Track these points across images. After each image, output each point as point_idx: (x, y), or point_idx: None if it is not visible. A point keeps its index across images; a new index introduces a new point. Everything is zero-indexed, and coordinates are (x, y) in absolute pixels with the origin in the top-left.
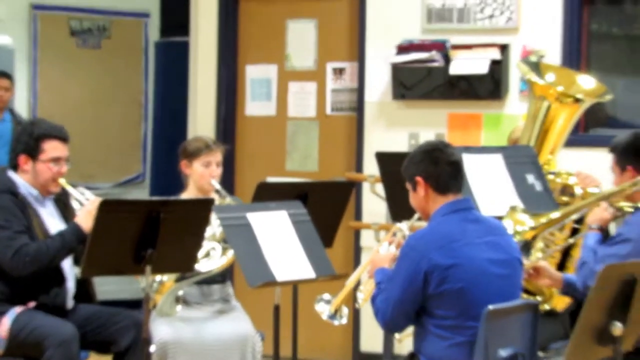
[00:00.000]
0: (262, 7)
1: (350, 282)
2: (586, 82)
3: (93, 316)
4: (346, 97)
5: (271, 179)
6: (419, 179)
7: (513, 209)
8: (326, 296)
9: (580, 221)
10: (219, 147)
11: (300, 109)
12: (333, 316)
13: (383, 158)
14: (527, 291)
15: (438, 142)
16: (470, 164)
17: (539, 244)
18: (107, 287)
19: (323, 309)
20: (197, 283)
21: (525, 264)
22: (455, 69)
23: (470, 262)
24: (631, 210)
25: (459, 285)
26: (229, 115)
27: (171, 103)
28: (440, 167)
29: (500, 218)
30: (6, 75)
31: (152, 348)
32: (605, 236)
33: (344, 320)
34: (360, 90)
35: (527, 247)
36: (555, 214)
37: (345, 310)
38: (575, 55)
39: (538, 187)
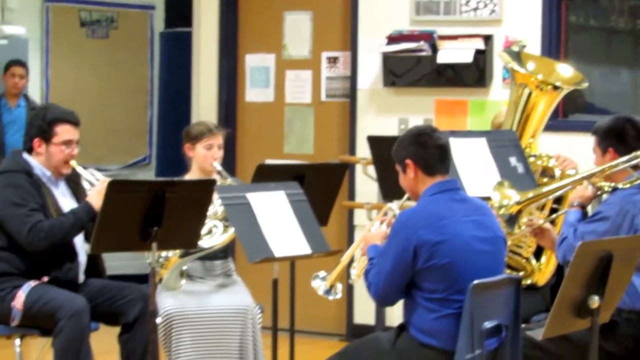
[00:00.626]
0: (261, 0)
1: (344, 259)
2: (564, 71)
3: (103, 290)
4: (340, 85)
5: (270, 161)
6: (408, 161)
7: (501, 183)
8: (321, 273)
9: (559, 201)
10: (220, 131)
11: (297, 96)
12: (328, 292)
13: (374, 142)
14: (510, 267)
15: (426, 126)
16: (457, 147)
17: (524, 219)
18: (116, 262)
19: (319, 285)
20: (200, 258)
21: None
22: (442, 58)
23: (457, 238)
24: (610, 190)
25: (446, 261)
26: (230, 101)
27: (175, 90)
28: (428, 150)
29: (485, 198)
30: (21, 63)
31: (158, 320)
32: (585, 214)
33: (339, 296)
34: (353, 78)
35: (512, 220)
36: (540, 190)
37: (339, 286)
38: (555, 45)
39: (520, 169)
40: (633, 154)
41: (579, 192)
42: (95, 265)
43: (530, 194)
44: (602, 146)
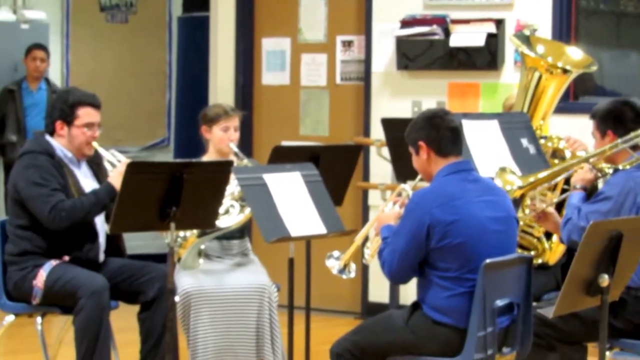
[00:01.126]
0: None
1: (357, 239)
2: (574, 54)
3: (122, 269)
4: (354, 68)
5: (286, 143)
6: (421, 143)
7: (502, 169)
8: (335, 253)
9: (569, 184)
10: (236, 113)
11: (312, 79)
12: (342, 271)
13: (388, 124)
14: (521, 246)
15: (438, 109)
16: (469, 129)
17: (527, 202)
18: (135, 242)
19: (333, 265)
20: (217, 238)
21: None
22: (454, 41)
23: (470, 218)
24: (611, 171)
25: (460, 240)
26: (247, 84)
27: (193, 73)
28: (441, 132)
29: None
30: (42, 47)
31: (177, 298)
32: (589, 195)
33: (352, 275)
34: (367, 62)
35: (515, 204)
36: (541, 174)
37: (353, 266)
38: (565, 29)
39: (532, 150)
40: (632, 134)
41: (580, 175)
42: (115, 245)
43: (531, 179)
44: (601, 129)
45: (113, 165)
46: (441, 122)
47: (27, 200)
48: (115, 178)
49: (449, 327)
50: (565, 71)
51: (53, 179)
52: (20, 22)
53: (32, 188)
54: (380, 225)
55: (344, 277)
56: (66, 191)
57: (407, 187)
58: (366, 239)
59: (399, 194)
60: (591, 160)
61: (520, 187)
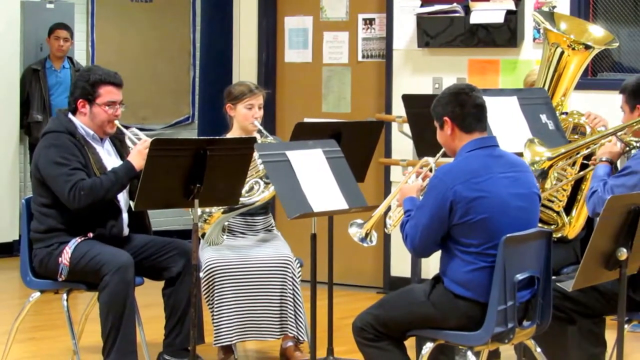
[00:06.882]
0: None
1: (380, 209)
2: (596, 31)
3: (147, 245)
4: (376, 45)
5: (308, 120)
6: (446, 118)
7: (531, 141)
8: (359, 221)
9: (589, 158)
10: (260, 91)
11: (334, 56)
12: (364, 239)
13: (409, 100)
14: (541, 221)
15: (464, 85)
16: (489, 105)
17: (554, 174)
18: (161, 218)
19: (355, 232)
20: (241, 215)
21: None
22: (474, 19)
23: (493, 195)
24: (638, 145)
25: (482, 217)
26: (270, 62)
27: (217, 51)
28: (466, 109)
29: (518, 154)
30: (65, 26)
31: (201, 274)
32: (614, 169)
33: (374, 243)
34: (388, 39)
35: (543, 175)
36: (569, 146)
37: (374, 234)
38: (584, 6)
39: (551, 125)
40: None
41: (607, 148)
42: (141, 221)
43: (562, 150)
44: (630, 103)
45: (134, 143)
46: (467, 98)
47: (47, 180)
48: (135, 157)
49: (469, 301)
50: (587, 47)
51: (73, 158)
52: (45, 2)
53: (52, 167)
54: (402, 197)
55: (365, 245)
56: (87, 170)
57: (431, 161)
58: (388, 209)
59: (422, 167)
60: (619, 133)
61: (549, 159)
